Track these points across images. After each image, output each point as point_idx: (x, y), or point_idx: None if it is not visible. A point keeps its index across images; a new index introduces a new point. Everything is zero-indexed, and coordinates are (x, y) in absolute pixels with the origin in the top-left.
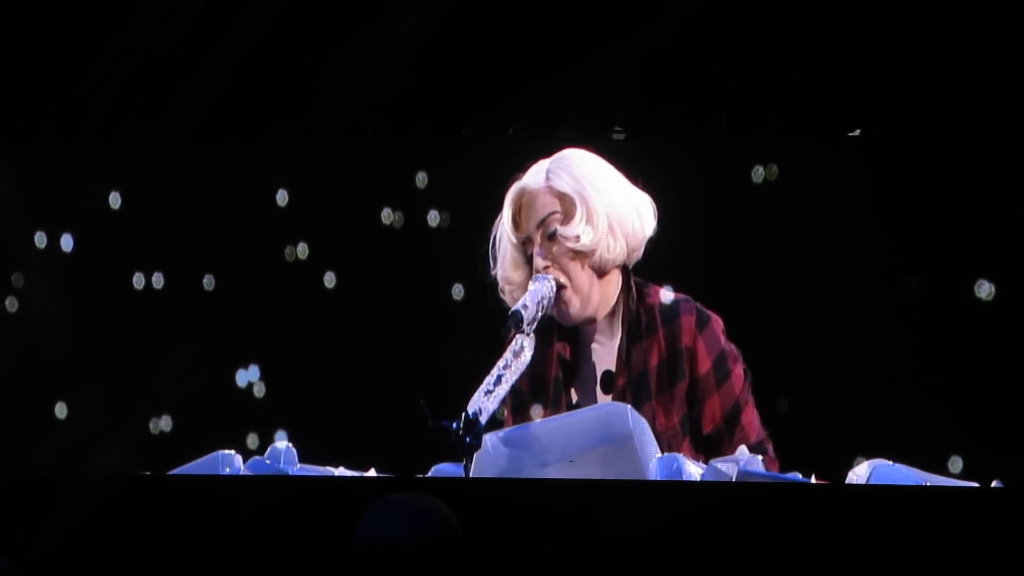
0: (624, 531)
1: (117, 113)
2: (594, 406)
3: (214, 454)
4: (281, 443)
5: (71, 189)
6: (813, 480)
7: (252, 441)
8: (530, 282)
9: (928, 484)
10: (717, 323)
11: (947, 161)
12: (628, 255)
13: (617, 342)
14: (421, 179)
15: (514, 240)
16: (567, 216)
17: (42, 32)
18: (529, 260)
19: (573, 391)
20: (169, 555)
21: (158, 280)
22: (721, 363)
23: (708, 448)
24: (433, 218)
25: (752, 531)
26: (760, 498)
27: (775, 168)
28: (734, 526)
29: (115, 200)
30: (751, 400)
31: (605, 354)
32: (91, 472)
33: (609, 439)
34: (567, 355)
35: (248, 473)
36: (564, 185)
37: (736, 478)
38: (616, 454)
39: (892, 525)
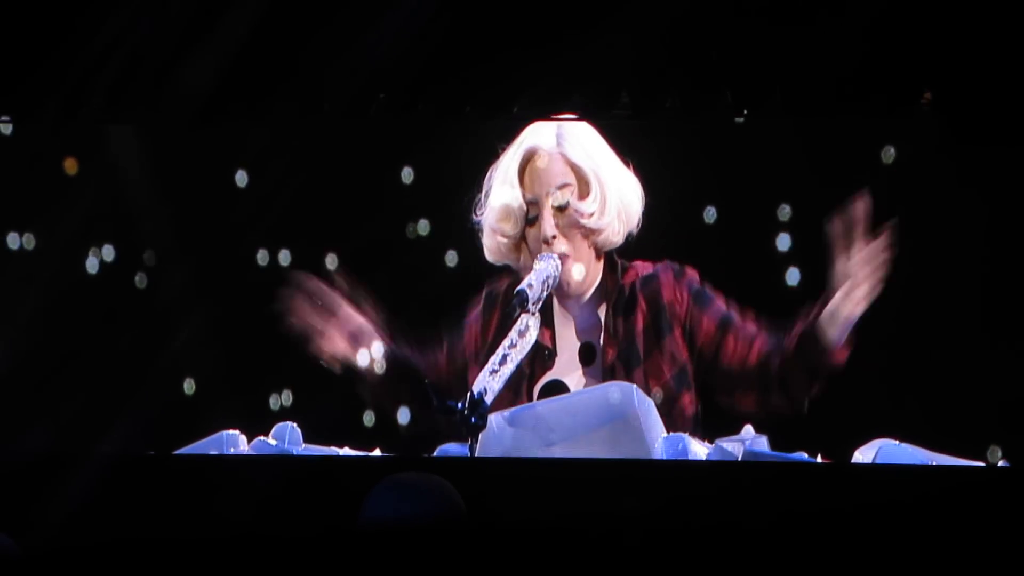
0: (630, 511)
1: (237, 91)
2: (599, 385)
3: (218, 434)
4: (286, 423)
5: (199, 167)
6: (819, 460)
7: (368, 418)
8: (535, 261)
9: (934, 464)
10: (693, 272)
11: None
12: (619, 243)
13: (602, 317)
14: None
15: (518, 196)
16: (581, 192)
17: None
18: (526, 219)
19: (552, 368)
20: (172, 535)
21: (285, 257)
22: (700, 294)
23: (711, 370)
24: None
25: (758, 510)
26: (766, 477)
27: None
28: (740, 505)
29: (242, 178)
30: (738, 313)
31: (588, 328)
32: (94, 451)
33: (615, 418)
34: (547, 335)
35: (252, 453)
36: (579, 159)
37: (742, 457)
38: (622, 433)
39: (898, 504)
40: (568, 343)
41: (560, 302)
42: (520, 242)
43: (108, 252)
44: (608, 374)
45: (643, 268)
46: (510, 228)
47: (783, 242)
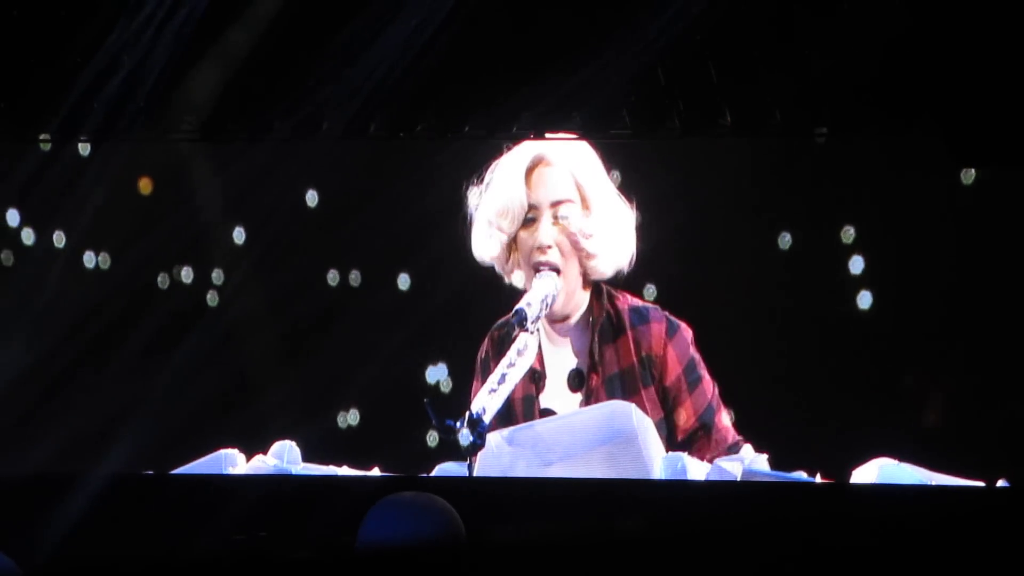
0: (630, 530)
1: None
2: (598, 405)
3: (217, 453)
4: (285, 441)
5: (269, 186)
6: (818, 479)
7: (432, 439)
8: (534, 279)
9: (933, 484)
10: (686, 331)
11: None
12: (610, 274)
13: (588, 343)
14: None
15: (521, 196)
16: (584, 211)
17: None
18: (524, 221)
19: (542, 392)
20: (170, 553)
21: (355, 278)
22: (691, 369)
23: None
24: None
25: (757, 530)
26: (765, 497)
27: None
28: (739, 524)
29: (312, 198)
30: (723, 405)
31: (575, 355)
32: (91, 471)
33: (614, 438)
34: (537, 358)
35: (250, 472)
36: (586, 180)
37: (741, 477)
38: (621, 453)
39: (897, 524)
40: (556, 366)
41: (548, 325)
42: (511, 243)
43: (179, 269)
44: (592, 397)
45: (632, 300)
46: (507, 225)
47: (856, 265)
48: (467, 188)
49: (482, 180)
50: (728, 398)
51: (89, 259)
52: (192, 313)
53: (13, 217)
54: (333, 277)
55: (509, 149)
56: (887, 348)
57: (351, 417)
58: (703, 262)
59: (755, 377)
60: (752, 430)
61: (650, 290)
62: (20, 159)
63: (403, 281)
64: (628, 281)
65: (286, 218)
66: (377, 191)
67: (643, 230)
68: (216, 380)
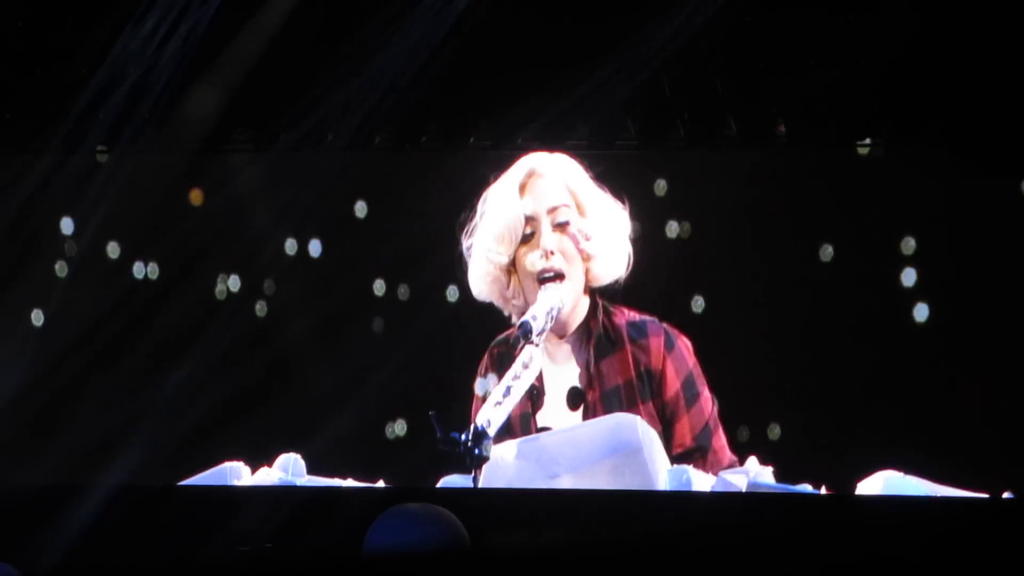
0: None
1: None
2: (603, 417)
3: (222, 465)
4: (290, 454)
5: (319, 197)
6: (823, 492)
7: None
8: (539, 291)
9: (938, 496)
10: (686, 345)
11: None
12: (610, 280)
13: (585, 358)
14: (660, 186)
15: (517, 210)
16: (581, 214)
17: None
18: (524, 237)
19: (539, 410)
20: (175, 565)
21: (404, 292)
22: (690, 384)
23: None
24: (672, 228)
25: (761, 543)
26: (770, 510)
27: None
28: (744, 538)
29: (361, 209)
30: (721, 425)
31: (572, 370)
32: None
33: (619, 450)
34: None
35: (256, 484)
36: (578, 186)
37: (746, 489)
38: (626, 465)
39: (902, 536)
40: (554, 383)
41: (545, 341)
42: (510, 267)
43: (231, 281)
44: (591, 414)
45: (629, 314)
46: (506, 248)
47: (908, 277)
48: (459, 225)
49: (473, 214)
50: (735, 411)
51: (139, 269)
52: (236, 324)
53: (67, 226)
54: (380, 287)
55: (496, 179)
56: (892, 357)
57: (398, 427)
58: (746, 274)
59: (760, 389)
60: (758, 442)
61: (698, 302)
62: (76, 170)
63: (452, 293)
64: (674, 296)
65: (335, 229)
66: (427, 202)
67: (690, 243)
68: (233, 389)
